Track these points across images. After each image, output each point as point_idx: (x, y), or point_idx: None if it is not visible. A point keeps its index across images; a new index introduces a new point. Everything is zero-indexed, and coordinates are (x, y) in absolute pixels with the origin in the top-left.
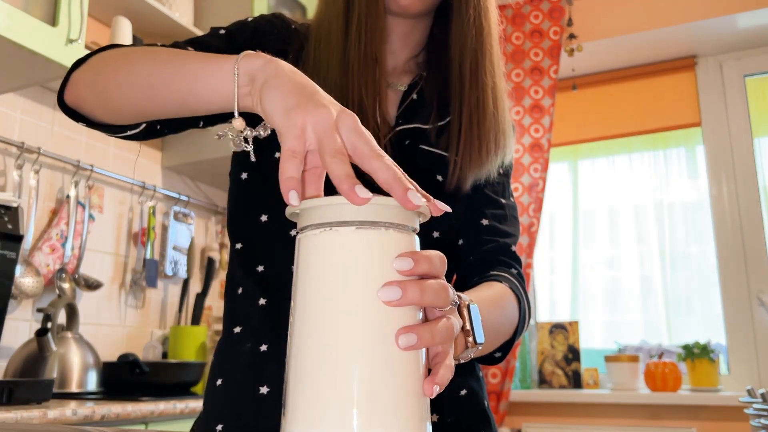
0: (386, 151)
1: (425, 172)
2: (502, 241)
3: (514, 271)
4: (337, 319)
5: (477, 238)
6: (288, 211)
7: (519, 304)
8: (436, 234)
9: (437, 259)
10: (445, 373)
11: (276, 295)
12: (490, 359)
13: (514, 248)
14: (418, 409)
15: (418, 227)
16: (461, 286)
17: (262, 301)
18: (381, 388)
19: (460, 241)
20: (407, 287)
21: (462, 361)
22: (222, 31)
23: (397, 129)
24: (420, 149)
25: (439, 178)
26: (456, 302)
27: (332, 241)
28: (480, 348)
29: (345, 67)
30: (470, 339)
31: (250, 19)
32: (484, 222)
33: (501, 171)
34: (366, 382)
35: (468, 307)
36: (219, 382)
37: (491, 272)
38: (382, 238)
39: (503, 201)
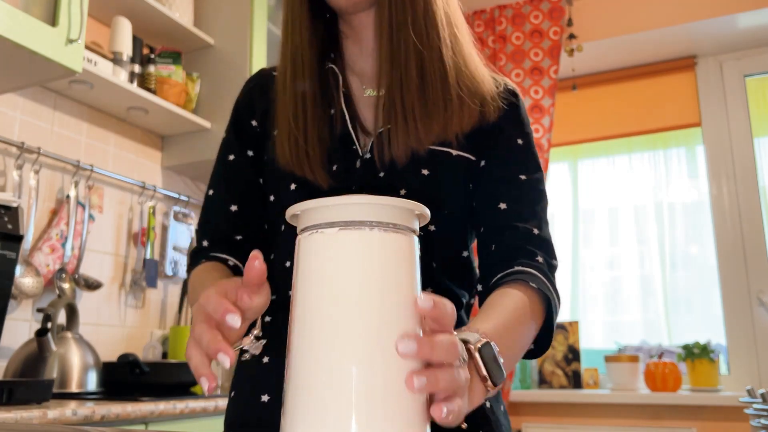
0: (368, 160)
1: (410, 169)
2: (523, 227)
3: (539, 259)
4: (333, 322)
5: (496, 224)
6: (288, 213)
7: (543, 300)
8: (432, 227)
9: (449, 311)
10: (458, 403)
11: (273, 304)
12: (527, 354)
13: (537, 231)
14: (415, 412)
15: (417, 228)
16: (485, 280)
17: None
18: (378, 392)
19: (482, 229)
20: (422, 344)
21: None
22: (231, 136)
23: (379, 132)
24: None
25: (425, 172)
26: (464, 359)
27: (326, 243)
28: (501, 385)
29: (296, 79)
30: (489, 383)
31: (236, 101)
32: (502, 206)
33: (520, 141)
34: (363, 385)
35: (480, 350)
36: (233, 394)
37: (512, 269)
38: (374, 238)
39: (522, 177)
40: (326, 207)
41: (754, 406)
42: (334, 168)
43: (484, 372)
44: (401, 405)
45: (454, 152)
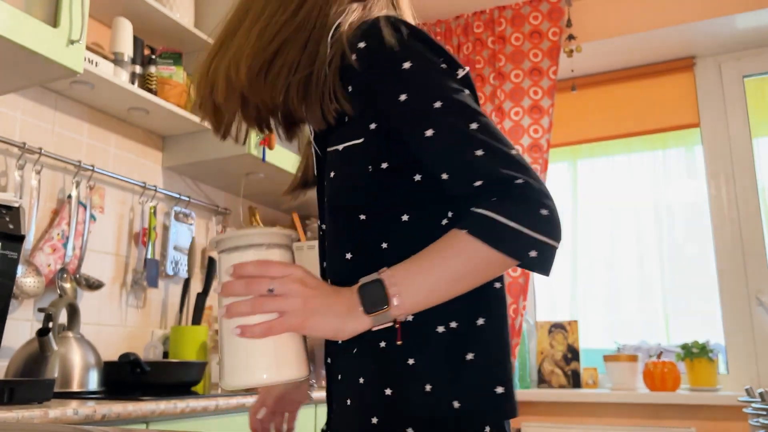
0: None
1: (326, 175)
2: (463, 193)
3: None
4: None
5: (455, 197)
6: (211, 242)
7: (470, 227)
8: (335, 226)
9: (250, 267)
10: (265, 324)
11: None
12: (527, 263)
13: (478, 182)
14: (279, 354)
15: (291, 243)
16: None
17: None
18: (242, 352)
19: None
20: (223, 286)
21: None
22: None
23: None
24: (317, 154)
25: (332, 174)
26: (271, 290)
27: (221, 259)
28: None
29: None
30: (360, 309)
31: None
32: (444, 176)
33: (402, 97)
34: (231, 346)
35: (360, 286)
36: None
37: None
38: (236, 258)
39: (428, 134)
40: (225, 239)
41: (753, 405)
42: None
43: (358, 302)
44: (252, 352)
45: (341, 147)
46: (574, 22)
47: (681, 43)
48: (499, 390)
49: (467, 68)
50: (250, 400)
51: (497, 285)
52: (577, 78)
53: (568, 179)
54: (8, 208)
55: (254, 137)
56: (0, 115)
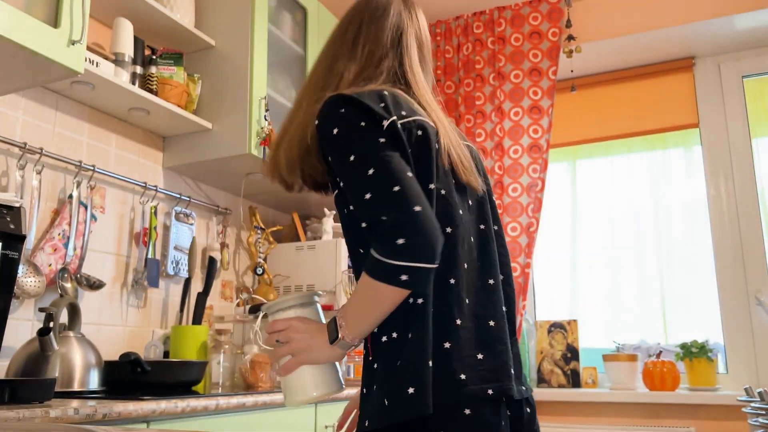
0: None
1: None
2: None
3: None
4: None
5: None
6: (263, 309)
7: (365, 265)
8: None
9: (268, 327)
10: (285, 366)
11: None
12: (404, 285)
13: (364, 224)
14: (317, 381)
15: (311, 300)
16: None
17: None
18: (287, 383)
19: None
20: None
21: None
22: None
23: None
24: None
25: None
26: (278, 341)
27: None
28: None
29: None
30: (326, 340)
31: None
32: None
33: (330, 159)
34: (282, 379)
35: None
36: None
37: None
38: (288, 314)
39: (342, 185)
40: (265, 308)
41: (752, 404)
42: None
43: (327, 337)
44: (294, 383)
45: (332, 196)
46: (574, 23)
47: (680, 43)
48: (411, 390)
49: (393, 117)
50: (250, 399)
51: (419, 301)
52: (576, 78)
53: (568, 179)
54: (9, 208)
55: (254, 138)
56: (1, 115)
